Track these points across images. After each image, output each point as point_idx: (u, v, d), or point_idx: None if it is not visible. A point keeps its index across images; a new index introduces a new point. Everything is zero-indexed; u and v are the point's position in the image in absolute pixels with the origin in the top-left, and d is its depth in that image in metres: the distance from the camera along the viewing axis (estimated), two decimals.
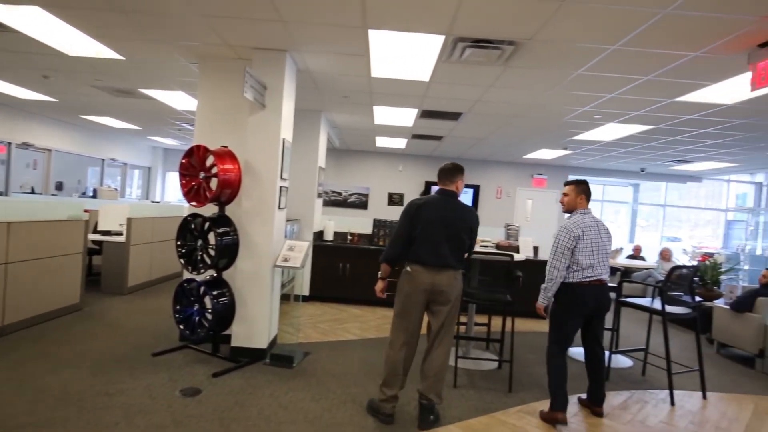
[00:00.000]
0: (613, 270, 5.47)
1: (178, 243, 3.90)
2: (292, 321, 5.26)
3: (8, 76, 5.71)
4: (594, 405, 3.42)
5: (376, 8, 3.04)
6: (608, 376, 4.16)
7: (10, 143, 8.17)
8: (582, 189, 3.40)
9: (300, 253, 3.99)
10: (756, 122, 5.21)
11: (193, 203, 3.77)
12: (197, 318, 3.84)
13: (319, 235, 6.73)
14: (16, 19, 3.68)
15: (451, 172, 3.12)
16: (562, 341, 3.32)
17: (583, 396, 3.54)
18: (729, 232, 11.67)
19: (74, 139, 9.56)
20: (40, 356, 3.68)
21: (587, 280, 3.22)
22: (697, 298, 4.49)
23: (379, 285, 3.20)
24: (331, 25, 3.40)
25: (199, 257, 3.86)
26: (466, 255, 3.14)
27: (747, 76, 3.41)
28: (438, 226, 2.96)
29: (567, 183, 3.49)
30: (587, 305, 3.26)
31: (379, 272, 3.17)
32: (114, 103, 6.78)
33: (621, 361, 4.70)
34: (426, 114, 6.12)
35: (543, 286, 3.31)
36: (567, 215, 3.46)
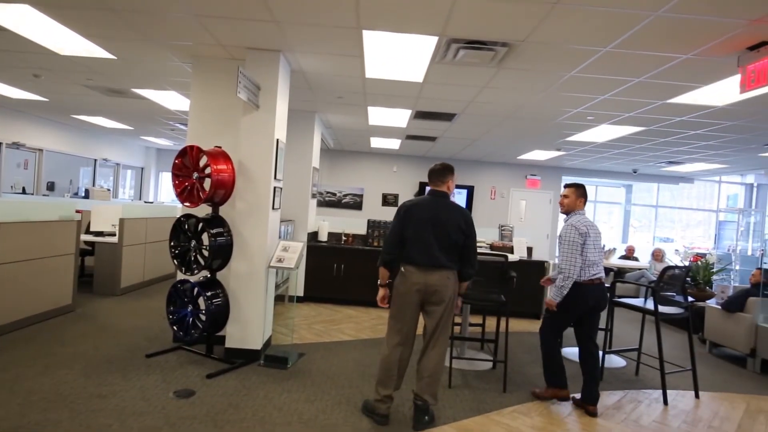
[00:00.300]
0: (607, 270, 5.50)
1: (172, 244, 3.88)
2: (287, 322, 5.25)
3: None
4: (588, 404, 3.45)
5: (369, 9, 3.04)
6: (602, 376, 4.19)
7: (0, 143, 8.09)
8: (582, 192, 3.61)
9: (294, 254, 3.98)
10: (746, 124, 5.27)
11: (187, 204, 3.75)
12: (191, 319, 3.82)
13: (313, 236, 6.72)
14: (6, 18, 3.65)
15: (441, 172, 3.13)
16: (556, 334, 3.58)
17: (577, 396, 3.56)
18: (720, 232, 11.78)
19: (66, 138, 9.48)
20: (32, 358, 3.64)
21: (592, 278, 3.41)
22: (690, 298, 4.53)
23: (380, 293, 3.14)
24: (325, 26, 3.39)
25: (192, 258, 3.84)
26: (471, 255, 3.08)
27: (737, 79, 3.45)
28: (428, 226, 2.98)
29: (567, 186, 3.69)
30: (588, 304, 3.44)
31: (379, 280, 3.13)
32: (106, 102, 6.73)
33: (614, 361, 4.72)
34: (420, 115, 6.13)
35: (558, 284, 3.42)
36: (565, 216, 3.65)
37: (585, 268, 3.39)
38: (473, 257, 3.09)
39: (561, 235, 3.51)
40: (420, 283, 2.96)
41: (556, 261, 3.60)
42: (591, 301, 3.42)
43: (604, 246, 5.04)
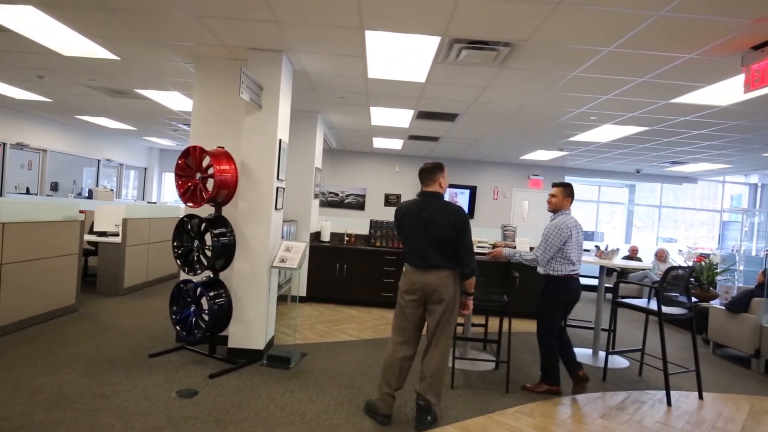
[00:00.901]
0: (610, 271, 5.49)
1: (175, 244, 3.89)
2: (289, 322, 5.26)
3: (2, 76, 5.68)
4: (576, 371, 3.66)
5: (372, 9, 3.04)
6: (605, 377, 4.19)
7: (4, 143, 8.12)
8: (569, 191, 3.76)
9: (297, 254, 3.99)
10: (750, 124, 5.24)
11: (190, 204, 3.76)
12: (194, 319, 3.83)
13: (316, 236, 6.72)
14: (11, 19, 3.66)
15: (431, 171, 3.14)
16: (552, 327, 3.72)
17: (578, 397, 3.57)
18: (724, 232, 11.72)
19: (69, 139, 9.51)
20: (36, 358, 3.65)
21: (572, 273, 3.63)
22: (693, 299, 4.51)
23: None
24: (327, 26, 3.39)
25: (195, 258, 3.85)
26: (465, 254, 3.01)
27: (741, 78, 3.43)
28: (418, 228, 3.02)
29: (555, 185, 3.82)
30: (570, 295, 3.68)
31: None
32: (109, 103, 6.75)
33: (617, 362, 4.71)
34: (422, 115, 6.12)
35: (523, 256, 3.73)
36: (552, 215, 3.81)
37: (568, 264, 3.62)
38: (467, 256, 3.01)
39: (545, 233, 3.68)
40: (419, 282, 2.99)
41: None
42: (572, 293, 3.69)
43: (606, 247, 5.04)
